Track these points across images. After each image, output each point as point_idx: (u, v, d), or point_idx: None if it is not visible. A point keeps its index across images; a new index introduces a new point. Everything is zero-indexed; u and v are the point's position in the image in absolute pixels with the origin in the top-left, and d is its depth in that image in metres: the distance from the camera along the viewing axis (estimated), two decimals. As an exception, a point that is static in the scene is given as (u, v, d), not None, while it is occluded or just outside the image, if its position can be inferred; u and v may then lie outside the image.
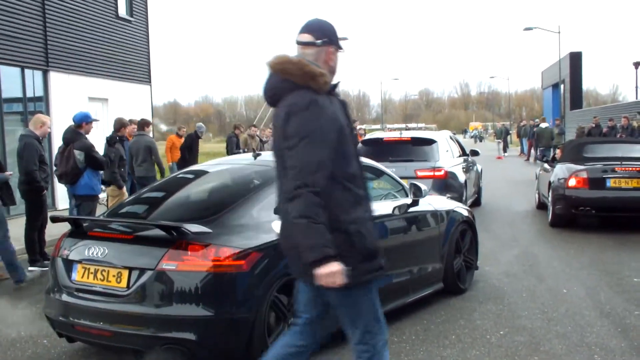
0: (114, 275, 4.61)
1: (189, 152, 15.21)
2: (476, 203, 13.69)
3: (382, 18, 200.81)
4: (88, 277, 4.74)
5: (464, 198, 11.39)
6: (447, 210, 6.97)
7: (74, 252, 4.92)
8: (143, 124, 12.08)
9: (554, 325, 5.78)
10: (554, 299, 6.63)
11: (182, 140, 16.08)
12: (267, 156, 6.33)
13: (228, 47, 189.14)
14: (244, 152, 15.95)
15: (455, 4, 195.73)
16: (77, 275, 4.82)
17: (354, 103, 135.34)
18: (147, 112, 18.78)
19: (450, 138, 13.13)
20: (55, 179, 12.57)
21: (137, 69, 19.48)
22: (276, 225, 4.61)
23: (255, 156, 6.18)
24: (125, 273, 4.57)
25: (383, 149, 11.60)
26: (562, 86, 37.58)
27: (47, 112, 15.13)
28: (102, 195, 11.90)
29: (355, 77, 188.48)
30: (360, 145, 11.91)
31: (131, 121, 11.82)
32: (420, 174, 10.63)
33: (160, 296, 4.44)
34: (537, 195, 13.77)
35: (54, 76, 15.33)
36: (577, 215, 10.91)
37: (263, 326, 4.55)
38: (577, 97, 36.68)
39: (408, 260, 6.20)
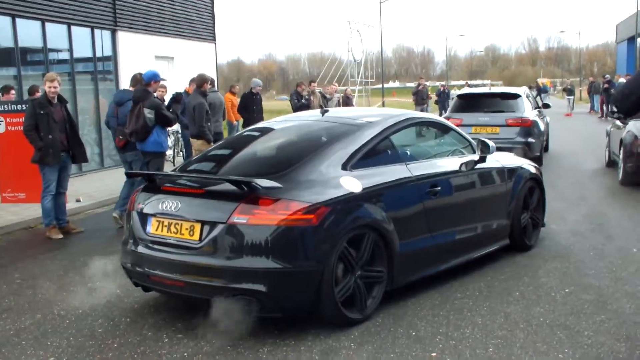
0: (186, 229, 4.78)
1: (247, 111, 14.67)
2: (545, 149, 14.85)
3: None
4: (162, 230, 4.94)
5: (543, 143, 13.89)
6: (514, 167, 6.91)
7: (148, 206, 5.11)
8: (213, 81, 12.39)
9: (623, 284, 5.66)
10: (623, 258, 6.48)
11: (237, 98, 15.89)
12: (334, 112, 6.65)
13: (291, 4, 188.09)
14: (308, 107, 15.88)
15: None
16: (152, 228, 5.02)
17: (418, 60, 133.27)
18: (212, 70, 18.99)
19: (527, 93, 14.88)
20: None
21: (202, 27, 19.66)
22: (345, 180, 4.73)
23: (323, 113, 6.28)
24: (198, 226, 4.73)
25: (477, 102, 13.79)
26: (638, 40, 35.93)
27: (116, 71, 15.53)
28: (169, 153, 12.19)
29: (419, 33, 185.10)
30: (456, 98, 14.63)
31: (193, 79, 11.95)
32: (510, 122, 12.80)
33: (231, 249, 4.58)
34: (607, 153, 13.37)
35: (122, 35, 15.65)
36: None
37: (331, 278, 4.66)
38: (653, 51, 35.05)
39: (475, 216, 6.24)
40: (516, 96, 13.64)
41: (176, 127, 12.92)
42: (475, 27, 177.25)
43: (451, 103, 15.67)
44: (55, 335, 4.86)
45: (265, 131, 6.38)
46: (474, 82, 78.16)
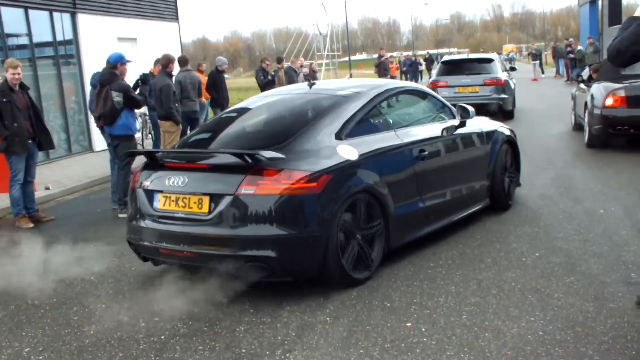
0: (195, 202, 4.99)
1: (215, 89, 14.57)
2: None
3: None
4: (170, 205, 5.13)
5: (514, 99, 16.74)
6: (491, 130, 7.27)
7: (153, 183, 5.30)
8: (185, 61, 12.38)
9: (590, 245, 5.79)
10: (590, 220, 6.61)
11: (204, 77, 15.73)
12: (322, 85, 6.91)
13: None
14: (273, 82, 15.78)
15: None
16: (159, 203, 5.21)
17: (384, 30, 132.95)
18: (177, 50, 18.75)
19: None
20: (92, 121, 12.79)
21: (165, 7, 19.36)
22: (341, 149, 5.05)
23: (310, 85, 6.52)
24: (206, 199, 4.93)
25: (458, 67, 16.86)
26: (600, 2, 36.19)
27: (78, 55, 15.25)
28: (137, 135, 12.05)
29: (384, 3, 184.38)
30: (441, 64, 17.61)
31: (158, 60, 11.79)
32: (487, 81, 15.80)
33: (240, 218, 4.79)
34: (573, 117, 13.54)
35: (82, 18, 15.34)
36: (614, 136, 10.68)
37: (336, 242, 4.92)
38: (616, 12, 35.17)
39: (459, 179, 6.55)
40: (490, 60, 16.89)
41: (144, 109, 12.76)
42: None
43: (435, 68, 18.95)
44: (30, 326, 4.83)
45: (258, 106, 6.52)
46: (442, 50, 78.41)
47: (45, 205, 9.50)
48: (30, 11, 13.84)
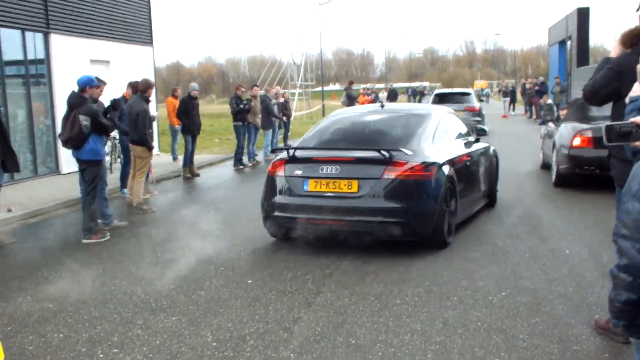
0: (345, 184, 6.91)
1: (186, 116, 14.43)
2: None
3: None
4: (320, 187, 7.00)
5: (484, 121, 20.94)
6: (488, 146, 9.59)
7: (303, 172, 7.13)
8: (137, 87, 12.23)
9: (556, 286, 5.80)
10: (556, 260, 6.65)
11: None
12: (395, 106, 10.22)
13: (231, 7, 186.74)
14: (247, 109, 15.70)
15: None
16: (309, 186, 7.05)
17: (358, 62, 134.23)
18: (150, 74, 18.65)
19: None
20: (60, 142, 12.57)
21: (139, 30, 19.28)
22: (436, 149, 7.49)
23: (382, 106, 8.61)
24: (355, 182, 6.88)
25: (447, 97, 23.27)
26: (568, 43, 36.97)
27: (49, 75, 15.06)
28: (107, 159, 11.88)
29: (359, 36, 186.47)
30: (434, 95, 24.44)
31: (131, 84, 11.67)
32: (467, 108, 21.40)
33: (383, 195, 6.79)
34: (541, 155, 13.71)
35: (55, 38, 15.18)
36: (581, 175, 10.82)
37: (442, 214, 7.03)
38: (583, 54, 36.02)
39: (480, 181, 8.78)
40: (469, 93, 24.37)
41: (114, 132, 12.61)
42: (413, 29, 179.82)
43: (430, 99, 25.41)
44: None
45: (358, 118, 8.40)
46: (414, 84, 79.36)
47: (6, 228, 9.28)
48: (2, 29, 13.67)
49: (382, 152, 6.88)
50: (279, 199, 7.22)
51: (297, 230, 7.23)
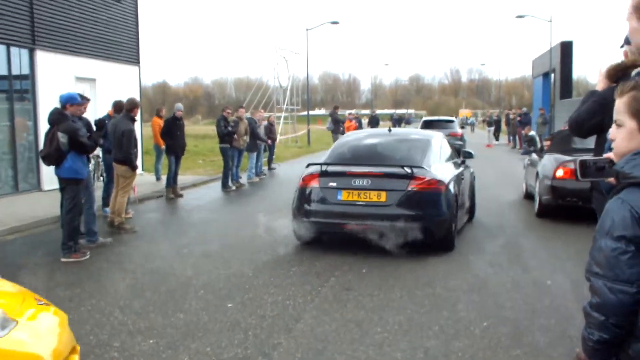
0: (374, 195, 8.13)
1: (170, 136, 14.30)
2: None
3: (375, 1, 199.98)
4: (352, 197, 8.19)
5: (466, 146, 22.59)
6: (470, 167, 10.88)
7: (336, 183, 8.32)
8: (121, 107, 12.10)
9: (538, 317, 5.78)
10: (538, 291, 6.64)
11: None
12: (402, 131, 12.35)
13: (218, 28, 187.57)
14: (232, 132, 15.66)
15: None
16: (342, 196, 8.25)
17: (344, 87, 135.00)
18: (136, 93, 18.61)
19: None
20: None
21: (126, 49, 19.25)
22: (445, 168, 9.00)
23: (390, 130, 10.08)
24: (384, 193, 8.12)
25: (433, 124, 27.16)
26: (552, 75, 37.47)
27: (34, 92, 14.96)
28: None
29: (345, 61, 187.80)
30: (423, 122, 28.52)
31: (116, 102, 11.59)
32: (451, 133, 23.55)
33: (407, 204, 8.04)
34: (524, 185, 13.78)
35: (41, 55, 15.11)
36: (564, 207, 10.87)
37: (453, 222, 8.41)
38: (567, 86, 36.56)
39: (466, 197, 9.83)
40: (452, 121, 29.70)
41: (97, 150, 12.49)
42: (400, 56, 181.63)
43: (419, 124, 28.72)
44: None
45: (374, 140, 9.62)
46: (399, 111, 79.87)
47: (-16, 244, 9.13)
48: (-13, 44, 13.59)
49: (405, 168, 8.15)
50: (314, 206, 8.35)
51: (329, 233, 8.71)
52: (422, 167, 8.28)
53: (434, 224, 8.07)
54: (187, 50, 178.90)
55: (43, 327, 3.33)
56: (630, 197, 2.14)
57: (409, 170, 8.14)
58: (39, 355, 3.08)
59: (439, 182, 8.25)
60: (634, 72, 3.95)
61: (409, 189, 8.04)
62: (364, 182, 8.18)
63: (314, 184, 8.43)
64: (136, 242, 9.46)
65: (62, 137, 8.17)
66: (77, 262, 8.02)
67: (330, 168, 8.58)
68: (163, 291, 6.64)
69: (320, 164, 8.71)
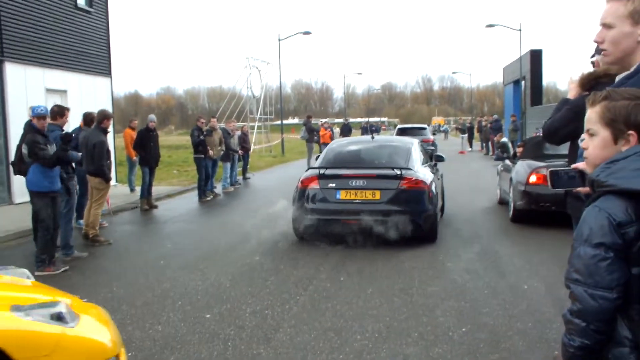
0: (370, 194, 9.13)
1: (143, 148, 14.16)
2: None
3: (346, 11, 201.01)
4: (350, 196, 9.18)
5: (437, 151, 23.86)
6: (438, 169, 11.76)
7: (335, 184, 9.28)
8: (92, 119, 11.97)
9: (515, 321, 5.83)
10: (514, 296, 6.69)
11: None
12: (380, 137, 12.50)
13: (191, 38, 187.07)
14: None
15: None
16: (341, 195, 9.23)
17: (317, 96, 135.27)
18: (108, 105, 18.44)
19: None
20: (12, 171, 12.24)
21: (97, 61, 19.08)
22: (426, 170, 10.03)
23: (372, 137, 11.37)
24: (378, 192, 9.12)
25: (407, 131, 29.82)
26: (522, 83, 37.98)
27: (3, 104, 14.75)
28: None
29: (318, 70, 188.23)
30: (397, 129, 31.99)
31: (86, 114, 11.42)
32: (424, 140, 24.59)
33: (398, 201, 9.04)
34: (498, 191, 13.90)
35: (10, 67, 14.91)
36: (537, 212, 10.99)
37: (437, 216, 9.64)
38: (537, 93, 37.11)
39: (440, 198, 10.69)
40: (425, 128, 33.10)
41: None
42: (372, 65, 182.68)
43: (394, 132, 32.64)
44: None
45: (361, 146, 10.86)
46: (372, 119, 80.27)
47: (-46, 260, 8.95)
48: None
49: (395, 170, 9.22)
50: (315, 205, 9.30)
51: (329, 229, 9.41)
52: (410, 169, 9.36)
53: (421, 218, 9.08)
54: (159, 60, 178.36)
55: (98, 321, 3.80)
56: (606, 204, 2.17)
57: (398, 172, 9.17)
58: (103, 342, 3.57)
59: (424, 181, 9.30)
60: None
61: (400, 187, 9.07)
62: (360, 182, 9.20)
63: (314, 185, 9.37)
64: (111, 255, 9.35)
65: (24, 149, 8.20)
66: (52, 276, 7.90)
67: (329, 171, 9.53)
68: (140, 304, 6.57)
69: (319, 168, 9.70)
